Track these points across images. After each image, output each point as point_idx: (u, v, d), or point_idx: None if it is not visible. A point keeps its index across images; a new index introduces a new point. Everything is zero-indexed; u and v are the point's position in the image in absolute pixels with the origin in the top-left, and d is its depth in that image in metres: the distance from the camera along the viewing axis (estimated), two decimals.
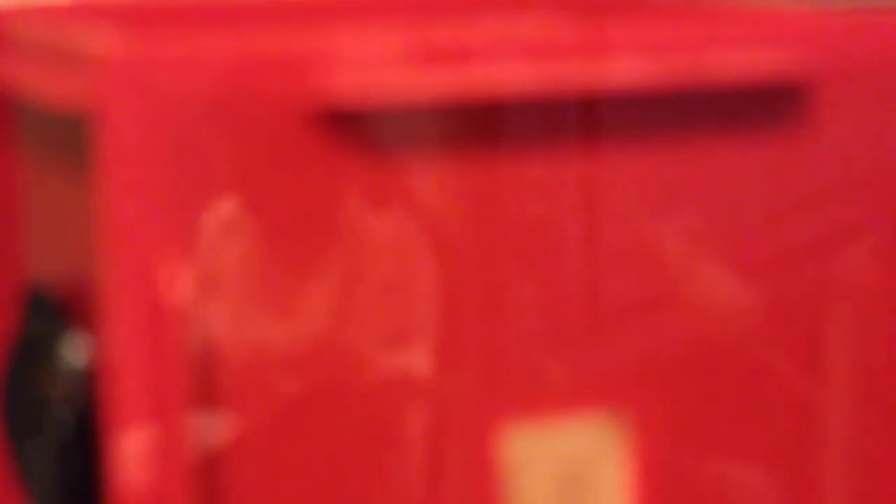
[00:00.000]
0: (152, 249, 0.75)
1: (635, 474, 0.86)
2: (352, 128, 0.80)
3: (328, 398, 0.81)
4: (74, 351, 0.82)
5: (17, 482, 0.92)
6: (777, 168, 0.88)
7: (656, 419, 0.86)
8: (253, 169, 0.79)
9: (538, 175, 0.84)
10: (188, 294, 0.74)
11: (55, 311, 0.85)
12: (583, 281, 0.85)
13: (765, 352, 0.88)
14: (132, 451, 0.75)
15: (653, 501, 0.86)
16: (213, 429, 0.79)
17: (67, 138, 0.85)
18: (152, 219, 0.76)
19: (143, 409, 0.75)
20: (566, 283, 0.85)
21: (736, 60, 0.85)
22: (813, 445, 0.89)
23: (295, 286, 0.81)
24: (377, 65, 0.79)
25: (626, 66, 0.83)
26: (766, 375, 0.88)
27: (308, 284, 0.81)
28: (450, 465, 0.84)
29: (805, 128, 0.88)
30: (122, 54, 0.75)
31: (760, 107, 0.87)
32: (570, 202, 0.85)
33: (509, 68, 0.81)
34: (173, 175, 0.76)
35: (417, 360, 0.83)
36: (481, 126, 0.82)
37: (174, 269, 0.74)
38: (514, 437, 0.84)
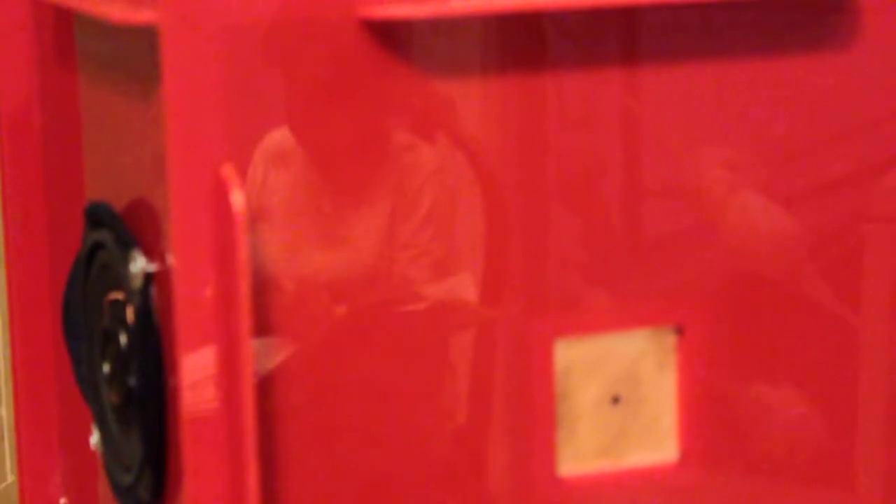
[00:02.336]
0: (216, 160, 0.76)
1: (678, 391, 0.87)
2: (397, 49, 0.80)
3: (377, 323, 0.82)
4: (134, 259, 0.84)
5: (77, 385, 0.95)
6: (818, 94, 0.87)
7: (697, 343, 0.87)
8: (304, 96, 0.80)
9: (579, 103, 0.84)
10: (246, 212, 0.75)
11: (114, 222, 0.87)
12: (624, 209, 0.86)
13: (805, 279, 0.89)
14: (198, 370, 0.77)
15: (696, 417, 0.87)
16: (268, 352, 0.81)
17: (126, 56, 0.86)
18: (214, 133, 0.77)
19: (209, 328, 0.77)
20: (608, 212, 0.85)
21: None
22: (852, 371, 0.90)
23: (344, 215, 0.82)
24: None
25: None
26: (806, 302, 0.89)
27: (357, 213, 0.82)
28: (496, 383, 0.85)
29: (846, 51, 0.87)
30: None
31: (803, 29, 0.87)
32: (611, 130, 0.85)
33: None
34: (230, 98, 0.78)
35: (463, 286, 0.84)
36: (523, 48, 0.83)
37: (235, 184, 0.75)
38: (560, 351, 0.85)
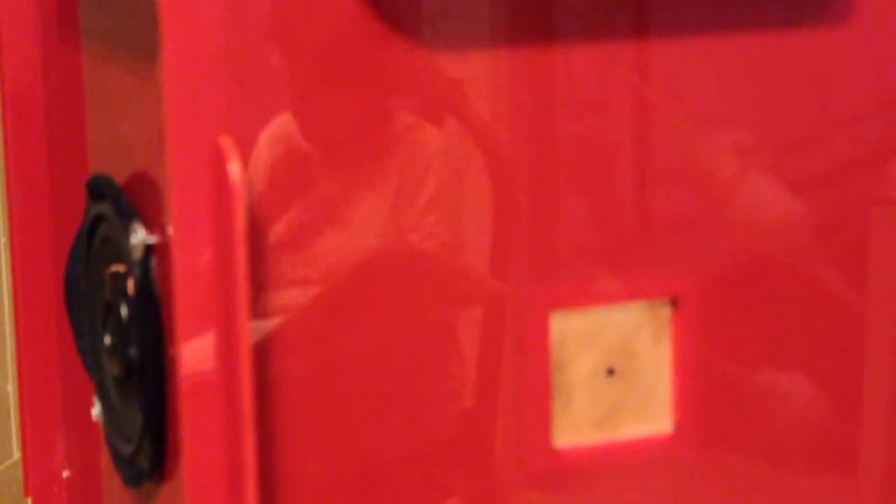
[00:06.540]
0: (214, 131, 0.77)
1: (673, 364, 0.87)
2: (402, 27, 0.80)
3: (381, 299, 0.83)
4: (135, 231, 0.84)
5: (78, 357, 0.95)
6: (826, 77, 0.88)
7: (692, 316, 0.87)
8: (306, 75, 0.80)
9: (588, 81, 0.84)
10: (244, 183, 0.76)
11: (116, 195, 0.88)
12: (631, 189, 0.86)
13: (810, 261, 0.89)
14: (198, 340, 0.78)
15: (691, 390, 0.87)
16: (267, 326, 0.81)
17: (129, 30, 0.86)
18: (213, 105, 0.77)
19: (208, 299, 0.77)
20: (614, 192, 0.85)
21: None
22: (856, 354, 0.90)
23: (349, 196, 0.82)
24: None
25: None
26: (811, 284, 0.89)
27: (362, 194, 0.82)
28: (495, 356, 0.85)
29: (855, 34, 0.87)
30: None
31: (813, 10, 0.87)
32: (620, 110, 0.85)
33: None
34: (229, 71, 0.78)
35: (470, 266, 0.84)
36: (530, 25, 0.83)
37: (233, 154, 0.76)
38: (555, 323, 0.85)
